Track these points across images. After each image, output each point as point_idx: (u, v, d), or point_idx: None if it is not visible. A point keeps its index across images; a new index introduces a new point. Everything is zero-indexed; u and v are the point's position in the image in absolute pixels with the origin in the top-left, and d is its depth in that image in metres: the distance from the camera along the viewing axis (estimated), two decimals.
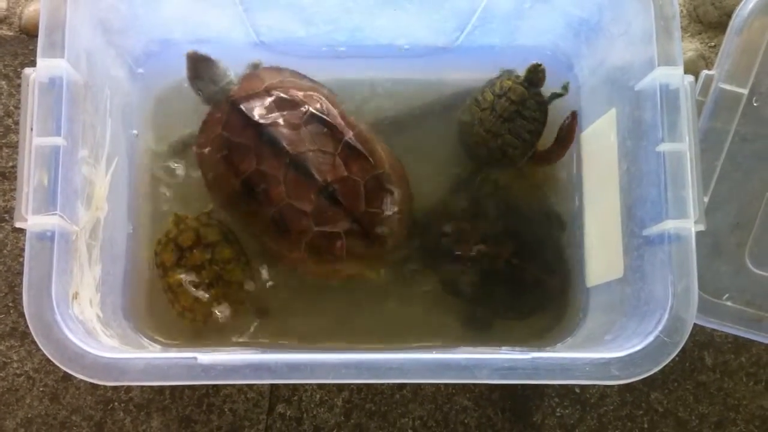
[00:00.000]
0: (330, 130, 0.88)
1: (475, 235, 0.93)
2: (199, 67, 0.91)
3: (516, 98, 0.92)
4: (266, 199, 0.87)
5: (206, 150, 0.91)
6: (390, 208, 0.90)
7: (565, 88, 0.95)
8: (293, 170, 0.86)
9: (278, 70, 0.94)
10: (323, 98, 0.91)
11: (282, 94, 0.89)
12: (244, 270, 0.93)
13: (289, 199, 0.86)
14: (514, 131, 0.93)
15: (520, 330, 0.95)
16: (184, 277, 0.90)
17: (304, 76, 0.95)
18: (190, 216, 0.93)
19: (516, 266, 0.92)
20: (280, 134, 0.87)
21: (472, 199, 0.96)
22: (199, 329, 0.92)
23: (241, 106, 0.88)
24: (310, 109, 0.88)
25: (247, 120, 0.87)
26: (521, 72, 0.95)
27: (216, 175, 0.91)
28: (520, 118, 0.93)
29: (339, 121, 0.89)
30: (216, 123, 0.90)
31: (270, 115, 0.88)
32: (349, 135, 0.88)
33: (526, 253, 0.93)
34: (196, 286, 0.90)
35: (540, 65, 0.93)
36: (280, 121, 0.87)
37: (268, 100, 0.89)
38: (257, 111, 0.88)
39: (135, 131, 0.95)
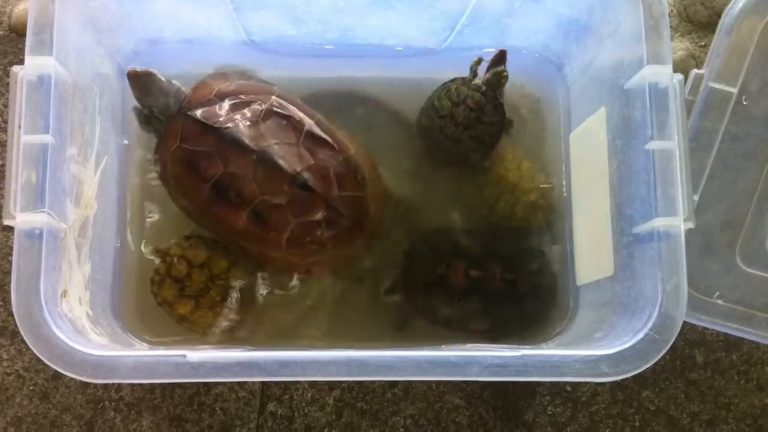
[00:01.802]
0: (288, 121, 0.88)
1: (463, 264, 0.92)
2: (146, 82, 0.89)
3: (474, 105, 0.93)
4: (239, 199, 0.86)
5: (167, 164, 0.90)
6: (363, 190, 0.89)
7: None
8: (261, 166, 0.85)
9: (225, 75, 0.93)
10: (277, 93, 0.91)
11: (234, 97, 0.89)
12: (245, 269, 0.92)
13: (262, 195, 0.86)
14: (475, 137, 0.94)
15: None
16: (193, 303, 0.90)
17: (252, 77, 0.94)
18: (171, 246, 0.91)
19: (510, 280, 0.92)
20: (241, 132, 0.86)
21: (453, 233, 0.96)
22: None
23: (196, 114, 0.87)
24: (265, 105, 0.88)
25: (204, 126, 0.87)
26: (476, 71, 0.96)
27: (182, 186, 0.90)
28: (480, 124, 0.94)
29: (296, 111, 0.89)
30: (173, 136, 0.89)
31: (226, 118, 0.87)
32: (309, 124, 0.88)
33: (515, 263, 0.93)
34: (211, 306, 0.89)
35: (505, 71, 0.94)
36: (238, 120, 0.87)
37: (221, 104, 0.88)
38: (213, 116, 0.87)
39: (126, 141, 0.95)
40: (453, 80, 0.96)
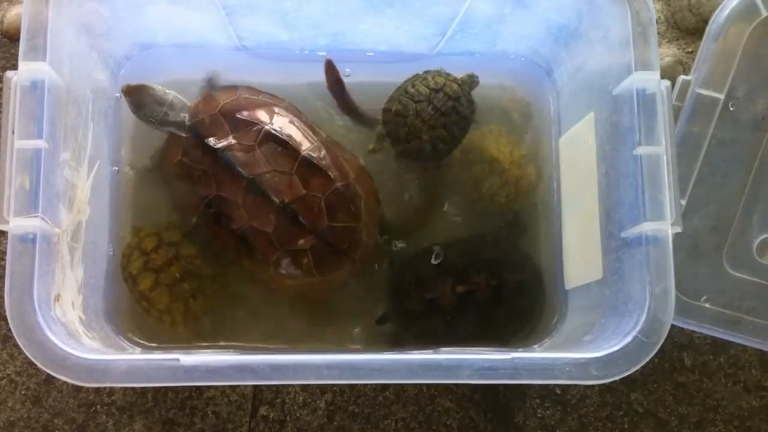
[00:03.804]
0: (285, 147, 0.89)
1: (448, 283, 0.92)
2: (140, 95, 0.91)
3: (452, 94, 0.94)
4: (228, 222, 0.88)
5: (170, 173, 0.92)
6: (356, 219, 0.90)
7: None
8: (251, 193, 0.87)
9: (234, 88, 0.95)
10: (281, 111, 0.92)
11: (237, 114, 0.90)
12: (212, 265, 0.92)
13: (250, 221, 0.87)
14: (448, 126, 0.95)
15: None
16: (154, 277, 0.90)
17: (261, 92, 0.95)
18: (147, 225, 0.93)
19: (496, 286, 0.93)
20: (236, 158, 0.88)
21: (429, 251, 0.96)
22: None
23: (198, 132, 0.90)
24: (265, 127, 0.89)
25: (204, 146, 0.89)
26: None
27: (180, 197, 0.93)
28: (455, 113, 0.95)
29: (296, 135, 0.90)
30: (176, 147, 0.92)
31: (225, 139, 0.89)
32: (306, 150, 0.89)
33: (497, 268, 0.94)
34: (170, 285, 0.89)
35: (476, 75, 0.97)
36: (235, 144, 0.88)
37: (224, 121, 0.90)
38: (213, 135, 0.89)
39: (116, 168, 0.95)
40: (426, 71, 0.97)
